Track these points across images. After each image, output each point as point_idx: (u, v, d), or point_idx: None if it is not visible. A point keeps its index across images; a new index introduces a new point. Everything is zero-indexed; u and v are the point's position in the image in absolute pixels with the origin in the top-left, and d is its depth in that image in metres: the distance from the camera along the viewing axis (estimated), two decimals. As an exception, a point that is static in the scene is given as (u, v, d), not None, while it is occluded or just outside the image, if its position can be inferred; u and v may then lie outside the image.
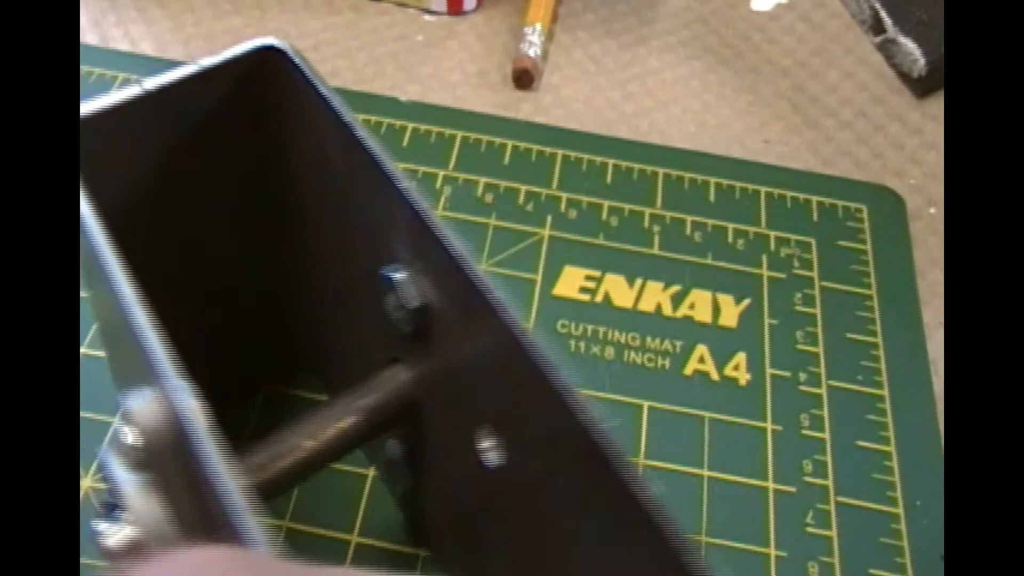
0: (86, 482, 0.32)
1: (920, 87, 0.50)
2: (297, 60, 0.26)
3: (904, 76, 0.51)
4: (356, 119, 0.25)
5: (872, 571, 0.33)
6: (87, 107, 0.25)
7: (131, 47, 0.48)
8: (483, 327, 0.22)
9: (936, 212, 0.45)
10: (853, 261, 0.43)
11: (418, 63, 0.50)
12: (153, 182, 0.27)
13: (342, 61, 0.49)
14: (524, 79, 0.48)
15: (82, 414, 0.34)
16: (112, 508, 0.23)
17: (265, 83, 0.27)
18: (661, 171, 0.45)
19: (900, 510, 0.35)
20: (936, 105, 0.50)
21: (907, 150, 0.48)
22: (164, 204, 0.27)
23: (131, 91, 0.25)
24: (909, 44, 0.50)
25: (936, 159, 0.48)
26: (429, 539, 0.31)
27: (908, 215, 0.45)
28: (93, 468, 0.33)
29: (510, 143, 0.45)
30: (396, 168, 0.24)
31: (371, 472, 0.33)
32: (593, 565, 0.22)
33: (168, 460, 0.22)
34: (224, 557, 0.15)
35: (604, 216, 0.43)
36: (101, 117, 0.25)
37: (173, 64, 0.27)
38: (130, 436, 0.22)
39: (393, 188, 0.24)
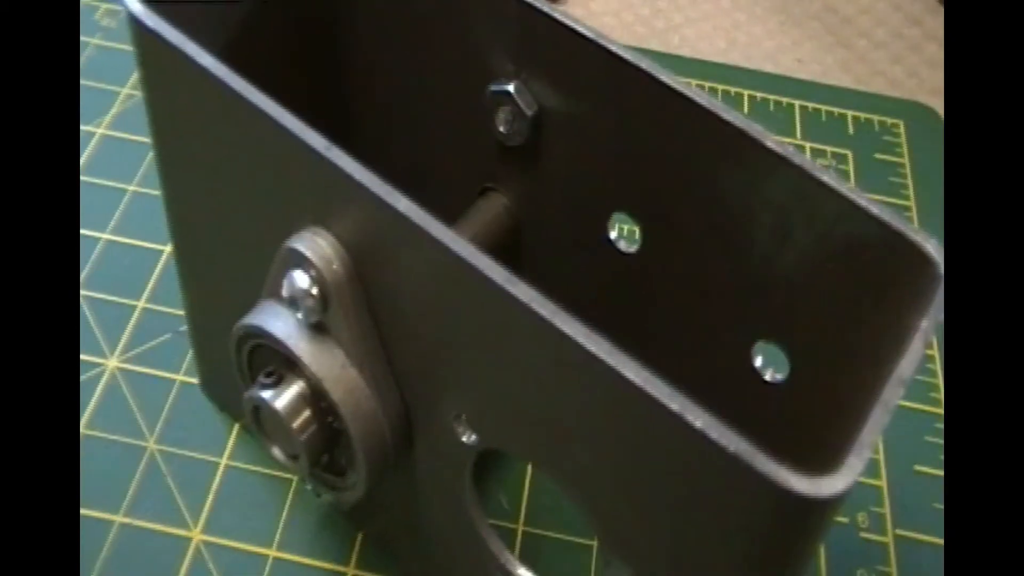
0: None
1: (954, 10, 0.50)
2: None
3: (938, -1, 0.50)
4: None
5: (918, 467, 0.33)
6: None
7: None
8: (629, 93, 0.23)
9: (971, 130, 0.45)
10: (891, 173, 0.42)
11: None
12: (221, 49, 0.26)
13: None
14: (554, -8, 0.48)
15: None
16: (270, 375, 0.22)
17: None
18: (695, 83, 0.44)
19: (943, 410, 0.34)
20: (969, 28, 0.50)
21: (944, 69, 0.47)
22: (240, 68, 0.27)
23: None
24: (943, -33, 0.49)
25: (970, 80, 0.47)
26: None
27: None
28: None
29: (542, 52, 0.44)
30: None
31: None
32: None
33: (346, 296, 0.21)
34: None
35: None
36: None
37: None
38: (304, 280, 0.21)
39: None
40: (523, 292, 0.18)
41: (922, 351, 0.19)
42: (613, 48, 0.23)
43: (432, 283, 0.20)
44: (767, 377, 0.25)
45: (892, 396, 0.18)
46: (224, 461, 0.30)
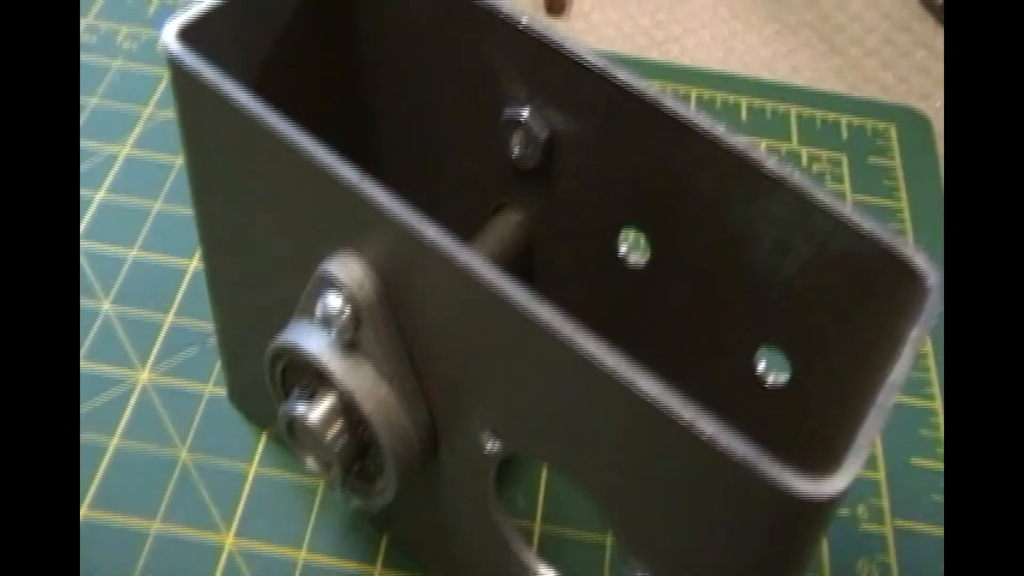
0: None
1: (944, 13, 0.51)
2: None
3: (927, 3, 0.52)
4: None
5: (915, 460, 0.34)
6: (184, 17, 0.24)
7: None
8: (635, 119, 0.24)
9: (962, 133, 0.46)
10: (884, 177, 0.44)
11: (449, -9, 0.50)
12: (250, 79, 0.27)
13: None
14: (556, 6, 0.49)
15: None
16: (303, 389, 0.24)
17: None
18: (694, 91, 0.46)
19: (938, 405, 0.36)
20: (959, 33, 0.51)
21: (933, 75, 0.49)
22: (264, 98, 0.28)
23: None
24: (932, -27, 0.51)
25: (960, 83, 0.49)
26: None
27: (935, 135, 0.46)
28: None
29: (545, 65, 0.46)
30: (511, 9, 0.25)
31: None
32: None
33: (377, 315, 0.23)
34: None
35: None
36: (197, 25, 0.24)
37: None
38: (337, 301, 0.22)
39: (511, 28, 0.25)
40: (545, 313, 0.19)
41: (913, 358, 0.20)
42: (619, 79, 0.24)
43: (459, 304, 0.21)
44: (770, 381, 0.26)
45: (887, 399, 0.19)
46: (253, 468, 0.31)
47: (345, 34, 0.29)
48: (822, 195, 0.23)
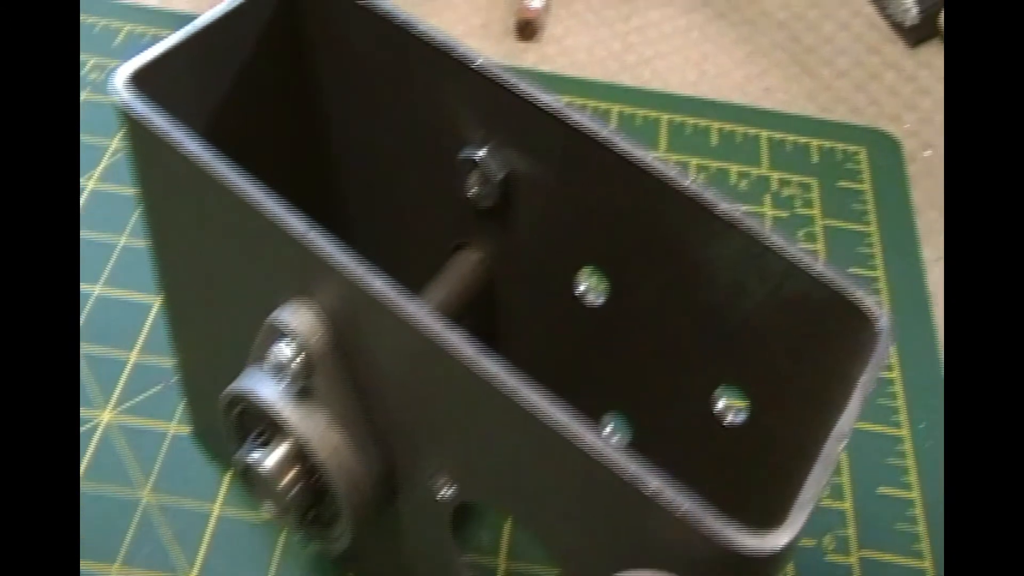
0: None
1: (913, 36, 0.51)
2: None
3: (897, 26, 0.52)
4: (410, 15, 0.26)
5: (881, 489, 0.34)
6: (135, 62, 0.24)
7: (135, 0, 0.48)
8: (590, 160, 0.24)
9: (931, 155, 0.47)
10: (853, 200, 0.44)
11: (422, 16, 0.50)
12: (204, 124, 0.27)
13: (346, 14, 0.49)
14: (528, 30, 0.49)
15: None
16: (258, 436, 0.24)
17: (298, 11, 0.27)
18: (665, 116, 0.46)
19: (906, 432, 0.36)
20: (929, 53, 0.51)
21: (902, 96, 0.49)
22: (217, 143, 0.28)
23: (173, 39, 0.25)
24: (902, -6, 0.51)
25: (930, 105, 0.49)
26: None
27: (905, 158, 0.46)
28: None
29: (515, 91, 0.46)
30: (466, 49, 0.25)
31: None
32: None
33: (329, 363, 0.23)
34: None
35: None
36: (148, 69, 0.24)
37: (180, 16, 0.27)
38: (288, 350, 0.22)
39: (467, 68, 0.25)
40: (489, 365, 0.19)
41: (861, 406, 0.20)
42: (573, 120, 0.24)
43: (407, 354, 0.21)
44: (728, 419, 0.26)
45: (832, 451, 0.19)
46: (217, 508, 0.31)
47: (302, 76, 0.29)
48: (774, 237, 0.23)
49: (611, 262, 0.26)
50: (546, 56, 0.49)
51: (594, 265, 0.27)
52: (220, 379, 0.25)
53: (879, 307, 0.22)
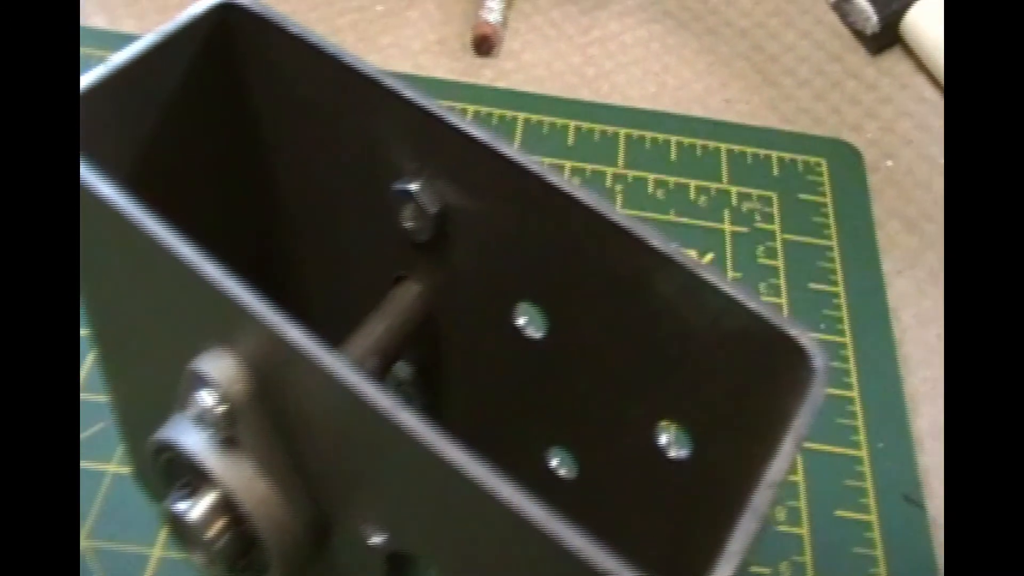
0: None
1: (874, 44, 0.51)
2: (260, 10, 0.26)
3: (858, 34, 0.51)
4: (339, 47, 0.25)
5: (839, 512, 0.34)
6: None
7: (82, 20, 0.48)
8: (523, 192, 0.24)
9: (893, 165, 0.46)
10: (814, 213, 0.43)
11: (378, 32, 0.49)
12: (132, 162, 0.27)
13: (300, 31, 0.49)
14: (485, 45, 0.48)
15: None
16: (184, 486, 0.23)
17: (229, 43, 0.26)
18: (623, 131, 0.45)
19: (864, 452, 0.36)
20: (890, 61, 0.51)
21: (863, 105, 0.49)
22: (147, 182, 0.27)
23: (96, 72, 0.24)
24: (862, 2, 0.51)
25: (891, 114, 0.48)
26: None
27: (866, 168, 0.45)
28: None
29: (472, 108, 0.45)
30: (396, 80, 0.24)
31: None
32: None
33: (253, 412, 0.22)
34: None
35: (567, 177, 0.43)
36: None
37: (127, 37, 0.26)
38: (209, 399, 0.21)
39: (397, 99, 0.24)
40: (407, 419, 0.19)
41: (794, 452, 0.20)
42: (504, 152, 0.24)
43: (328, 404, 0.20)
44: (672, 454, 0.26)
45: (762, 501, 0.19)
46: (157, 551, 0.30)
47: (235, 109, 0.28)
48: (708, 274, 0.22)
49: (548, 296, 0.26)
50: (503, 72, 0.48)
51: (532, 298, 0.26)
52: (155, 421, 0.24)
53: (816, 345, 0.21)
